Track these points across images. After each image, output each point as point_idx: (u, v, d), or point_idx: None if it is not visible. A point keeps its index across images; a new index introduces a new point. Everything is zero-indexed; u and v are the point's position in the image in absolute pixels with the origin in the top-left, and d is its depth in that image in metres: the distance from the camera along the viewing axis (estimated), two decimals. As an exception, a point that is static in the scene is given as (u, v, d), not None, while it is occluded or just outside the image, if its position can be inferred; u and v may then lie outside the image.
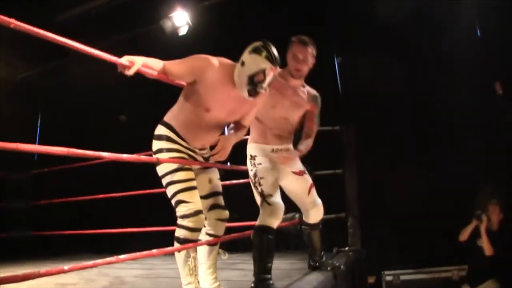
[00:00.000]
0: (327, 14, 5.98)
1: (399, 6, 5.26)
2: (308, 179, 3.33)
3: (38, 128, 7.59)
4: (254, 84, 2.48)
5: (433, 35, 5.69)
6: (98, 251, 5.39)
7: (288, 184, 3.28)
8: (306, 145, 3.23)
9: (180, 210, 2.49)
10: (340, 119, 4.92)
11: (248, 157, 3.20)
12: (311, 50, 3.11)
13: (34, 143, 6.95)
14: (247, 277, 2.90)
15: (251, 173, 3.12)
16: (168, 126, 2.61)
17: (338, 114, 5.46)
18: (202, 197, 2.64)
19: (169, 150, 2.56)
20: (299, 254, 3.74)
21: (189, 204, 2.47)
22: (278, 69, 2.58)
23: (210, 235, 2.74)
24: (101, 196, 4.86)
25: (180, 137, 2.59)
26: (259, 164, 3.10)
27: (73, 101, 7.21)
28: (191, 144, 2.63)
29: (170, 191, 2.54)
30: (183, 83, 2.69)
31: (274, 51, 2.50)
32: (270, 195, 2.95)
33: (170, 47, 5.77)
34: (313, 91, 3.29)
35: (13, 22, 1.67)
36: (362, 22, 5.90)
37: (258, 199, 3.04)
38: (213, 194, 2.73)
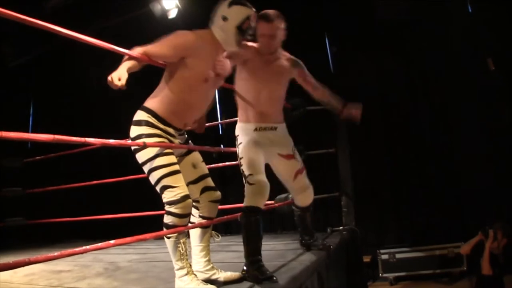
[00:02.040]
0: (323, 2, 5.96)
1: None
2: (296, 164, 3.24)
3: (31, 116, 7.56)
4: (242, 32, 2.62)
5: (424, 16, 5.68)
6: (94, 238, 5.39)
7: (275, 166, 3.23)
8: (332, 96, 3.18)
9: (167, 196, 2.44)
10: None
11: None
12: (278, 24, 2.95)
13: (27, 131, 6.92)
14: (241, 259, 2.88)
15: (237, 154, 3.09)
16: (149, 111, 2.55)
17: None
18: (191, 183, 2.63)
19: (149, 135, 2.48)
20: (294, 235, 3.76)
21: (175, 189, 2.42)
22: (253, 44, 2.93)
23: (203, 217, 2.74)
24: (95, 182, 4.85)
25: (162, 121, 2.54)
26: (240, 143, 3.06)
27: (65, 88, 7.15)
28: (176, 125, 2.59)
29: (153, 177, 2.47)
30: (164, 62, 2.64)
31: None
32: (251, 175, 2.85)
33: (160, 31, 5.71)
34: (292, 57, 3.19)
35: (-8, 7, 1.63)
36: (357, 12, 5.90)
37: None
38: (201, 178, 2.72)
